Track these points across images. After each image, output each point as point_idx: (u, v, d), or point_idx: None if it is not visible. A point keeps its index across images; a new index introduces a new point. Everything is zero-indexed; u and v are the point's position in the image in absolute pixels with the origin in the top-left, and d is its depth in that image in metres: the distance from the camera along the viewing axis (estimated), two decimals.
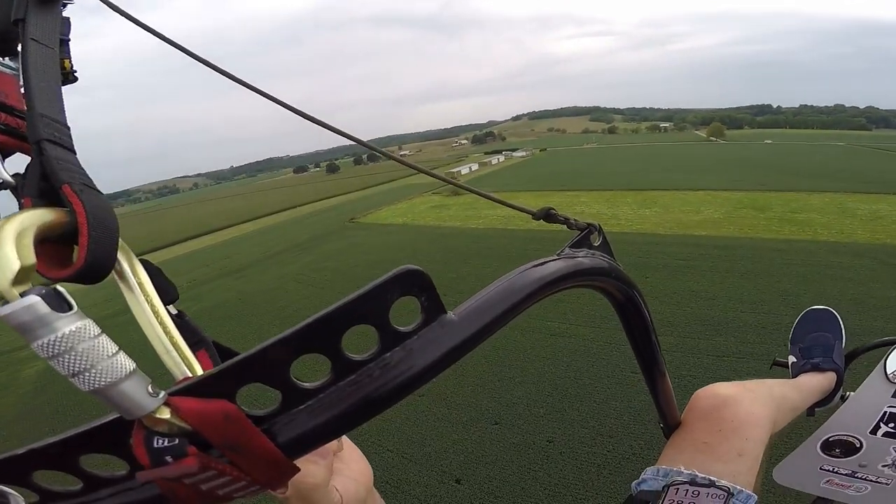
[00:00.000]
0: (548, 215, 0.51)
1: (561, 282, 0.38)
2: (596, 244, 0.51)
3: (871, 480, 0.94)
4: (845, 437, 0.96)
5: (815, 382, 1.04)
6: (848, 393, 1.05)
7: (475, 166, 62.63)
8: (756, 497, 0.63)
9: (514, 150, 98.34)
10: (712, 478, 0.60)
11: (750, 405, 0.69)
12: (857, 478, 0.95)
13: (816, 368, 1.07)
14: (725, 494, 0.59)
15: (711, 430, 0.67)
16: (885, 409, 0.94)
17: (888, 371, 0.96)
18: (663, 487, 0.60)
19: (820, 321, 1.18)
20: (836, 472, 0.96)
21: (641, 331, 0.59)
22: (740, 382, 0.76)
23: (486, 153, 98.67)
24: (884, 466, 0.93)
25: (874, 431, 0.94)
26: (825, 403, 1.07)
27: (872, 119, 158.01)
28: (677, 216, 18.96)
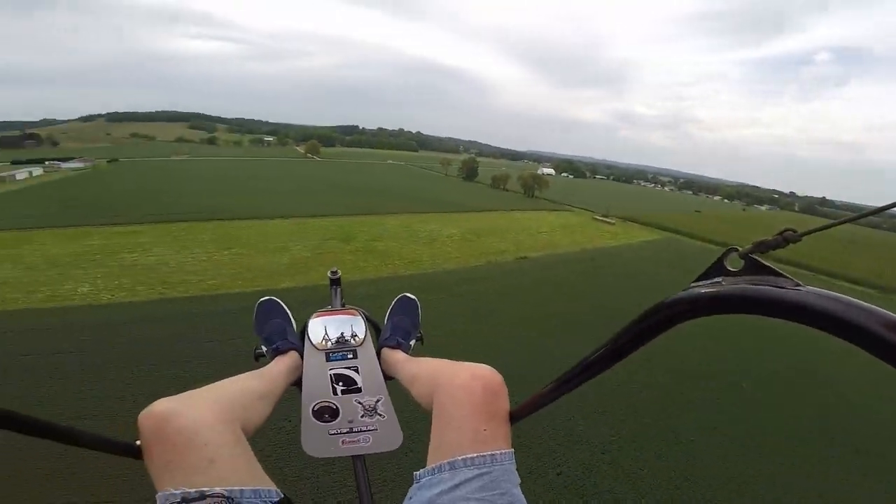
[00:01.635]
0: None
1: None
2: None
3: (365, 430, 1.06)
4: (322, 404, 1.06)
5: (281, 366, 1.08)
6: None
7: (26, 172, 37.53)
8: (270, 489, 0.67)
9: (67, 159, 70.09)
10: (202, 489, 0.61)
11: (194, 411, 0.69)
12: (355, 432, 1.06)
13: (279, 351, 1.14)
14: (224, 499, 0.61)
15: (168, 449, 0.65)
16: (329, 372, 1.09)
17: (314, 341, 1.13)
18: None
19: (270, 310, 1.28)
20: (341, 433, 1.06)
21: None
22: (183, 394, 0.74)
23: (14, 163, 65.75)
24: (363, 417, 1.06)
25: (335, 392, 1.08)
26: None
27: (420, 142, 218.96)
28: (261, 261, 14.62)
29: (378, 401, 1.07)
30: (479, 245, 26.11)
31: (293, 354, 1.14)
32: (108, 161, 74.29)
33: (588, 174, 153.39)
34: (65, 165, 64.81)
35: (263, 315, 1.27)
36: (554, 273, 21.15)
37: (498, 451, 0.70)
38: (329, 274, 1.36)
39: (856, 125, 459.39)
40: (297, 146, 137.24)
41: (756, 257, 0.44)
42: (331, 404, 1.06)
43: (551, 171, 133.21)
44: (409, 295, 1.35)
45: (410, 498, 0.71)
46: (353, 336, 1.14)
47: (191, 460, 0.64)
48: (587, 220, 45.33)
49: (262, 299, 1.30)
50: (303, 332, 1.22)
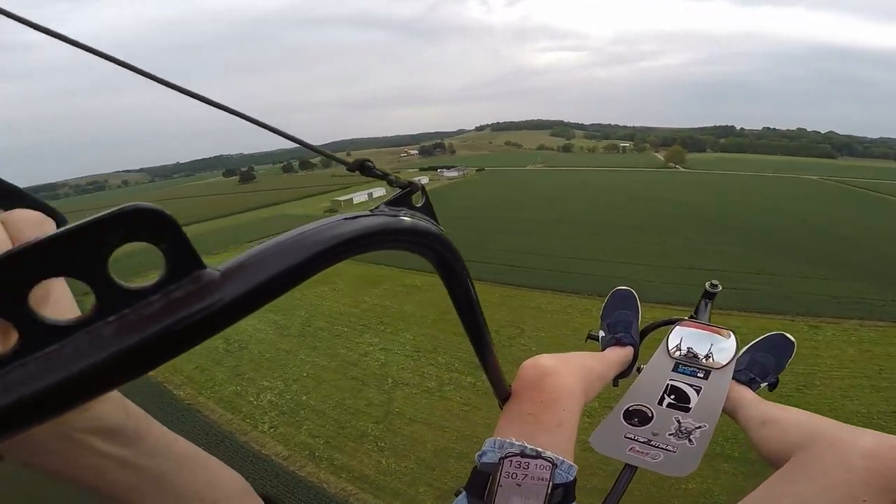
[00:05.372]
0: (363, 167, 0.49)
1: (371, 238, 0.33)
2: (418, 205, 0.48)
3: (661, 448, 1.00)
4: (640, 407, 1.04)
5: (616, 355, 1.14)
6: (642, 365, 1.17)
7: (366, 195, 46.58)
8: (576, 467, 0.68)
9: (451, 167, 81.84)
10: (539, 449, 0.65)
11: (566, 377, 0.75)
12: (651, 445, 1.01)
13: (619, 343, 1.18)
14: (551, 465, 0.64)
15: (535, 400, 0.71)
16: (668, 382, 1.07)
17: (669, 347, 1.13)
18: (499, 459, 0.64)
19: (624, 299, 1.30)
20: (636, 440, 1.01)
21: (465, 303, 0.56)
22: (560, 355, 0.82)
23: (422, 169, 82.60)
24: (670, 435, 1.00)
25: (661, 402, 1.05)
26: (626, 374, 1.18)
27: (836, 145, 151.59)
28: None
29: (699, 428, 1.00)
30: None
31: (629, 350, 1.18)
32: (476, 170, 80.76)
33: None
34: (446, 174, 73.83)
35: (615, 302, 1.31)
36: None
37: None
38: (707, 286, 1.32)
39: None
40: (656, 152, 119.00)
41: None
42: (647, 410, 1.04)
43: None
44: (786, 334, 1.24)
45: None
46: (709, 357, 1.10)
47: (546, 418, 0.69)
48: None
49: (618, 287, 1.35)
50: (644, 331, 1.28)
